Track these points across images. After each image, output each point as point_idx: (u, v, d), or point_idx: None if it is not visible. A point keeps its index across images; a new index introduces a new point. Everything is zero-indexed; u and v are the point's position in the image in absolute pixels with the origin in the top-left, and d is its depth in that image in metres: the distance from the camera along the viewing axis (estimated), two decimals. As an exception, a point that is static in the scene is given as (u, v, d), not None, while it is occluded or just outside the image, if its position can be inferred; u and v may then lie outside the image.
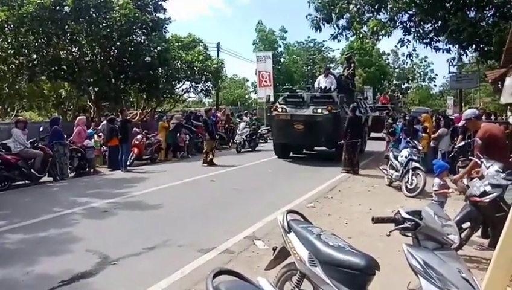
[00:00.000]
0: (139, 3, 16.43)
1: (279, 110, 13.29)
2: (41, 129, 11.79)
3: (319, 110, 12.54)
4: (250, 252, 5.04)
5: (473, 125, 5.77)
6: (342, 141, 11.43)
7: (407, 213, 2.40)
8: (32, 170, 9.73)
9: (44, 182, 10.20)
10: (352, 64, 16.66)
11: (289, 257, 2.95)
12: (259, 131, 20.34)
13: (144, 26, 16.64)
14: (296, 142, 13.98)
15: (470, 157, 6.36)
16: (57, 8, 14.26)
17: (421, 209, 2.45)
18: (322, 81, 14.84)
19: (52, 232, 5.84)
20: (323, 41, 41.97)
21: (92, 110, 17.96)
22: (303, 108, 13.07)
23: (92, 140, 12.32)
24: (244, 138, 17.25)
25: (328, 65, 15.91)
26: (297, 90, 15.73)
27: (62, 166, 10.59)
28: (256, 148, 17.91)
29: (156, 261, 4.77)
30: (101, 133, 13.11)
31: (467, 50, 14.31)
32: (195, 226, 6.19)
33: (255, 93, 33.04)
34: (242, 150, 16.92)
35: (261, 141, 20.00)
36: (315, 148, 15.98)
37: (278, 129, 13.77)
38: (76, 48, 16.62)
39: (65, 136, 11.32)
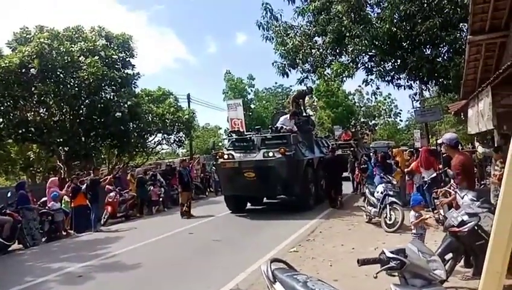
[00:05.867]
0: (106, 61, 16.58)
1: (225, 157, 11.69)
2: (9, 195, 11.33)
3: (271, 154, 11.07)
4: (235, 306, 4.85)
5: (446, 150, 5.83)
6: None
7: (392, 252, 2.38)
8: (0, 239, 9.24)
9: (14, 250, 9.69)
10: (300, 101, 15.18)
11: (276, 308, 2.84)
12: None
13: (112, 83, 16.74)
14: (249, 193, 12.16)
15: (445, 188, 6.47)
16: (23, 70, 14.17)
17: (405, 247, 2.44)
18: (282, 121, 12.91)
19: (23, 304, 5.48)
20: (291, 86, 43.20)
21: (62, 171, 17.51)
22: (253, 153, 11.54)
23: (62, 201, 11.90)
24: None
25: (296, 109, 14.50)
26: (246, 133, 13.84)
27: (33, 232, 10.14)
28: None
29: (137, 326, 4.51)
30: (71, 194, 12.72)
31: (427, 85, 14.99)
32: (176, 284, 5.94)
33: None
34: None
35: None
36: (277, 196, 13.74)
37: (226, 179, 11.99)
38: (44, 109, 16.44)
39: (34, 200, 10.95)
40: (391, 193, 8.86)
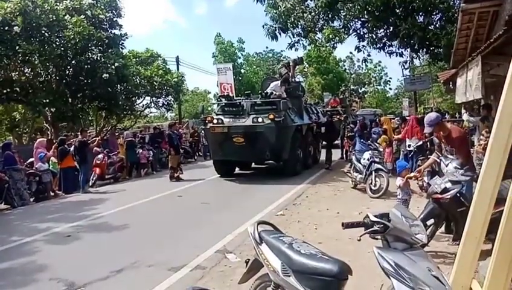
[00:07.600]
0: (93, 20, 16.08)
1: (215, 121, 11.67)
2: (-6, 155, 11.22)
3: (260, 120, 11.05)
4: (222, 267, 4.97)
5: (440, 129, 5.22)
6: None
7: (376, 216, 2.43)
8: (-14, 198, 9.25)
9: (1, 210, 9.73)
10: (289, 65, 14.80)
11: (262, 268, 2.92)
12: None
13: (99, 44, 16.30)
14: (237, 158, 12.17)
15: (429, 156, 6.57)
16: (6, 28, 13.66)
17: (389, 212, 2.50)
18: (273, 88, 12.78)
19: (12, 263, 5.54)
20: (281, 51, 42.64)
21: (49, 132, 17.31)
22: (242, 118, 11.54)
23: (50, 162, 11.84)
24: None
25: (288, 74, 13.97)
26: (236, 98, 13.71)
27: (21, 192, 10.13)
28: None
29: (125, 284, 4.62)
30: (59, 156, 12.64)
31: (418, 53, 14.94)
32: (164, 245, 6.04)
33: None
34: None
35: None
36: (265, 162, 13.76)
37: (215, 144, 11.99)
38: (29, 69, 16.01)
39: (21, 161, 10.87)
40: (377, 159, 9.00)
